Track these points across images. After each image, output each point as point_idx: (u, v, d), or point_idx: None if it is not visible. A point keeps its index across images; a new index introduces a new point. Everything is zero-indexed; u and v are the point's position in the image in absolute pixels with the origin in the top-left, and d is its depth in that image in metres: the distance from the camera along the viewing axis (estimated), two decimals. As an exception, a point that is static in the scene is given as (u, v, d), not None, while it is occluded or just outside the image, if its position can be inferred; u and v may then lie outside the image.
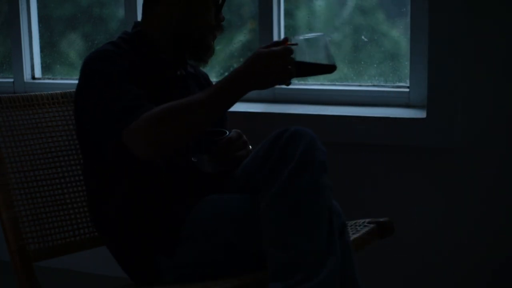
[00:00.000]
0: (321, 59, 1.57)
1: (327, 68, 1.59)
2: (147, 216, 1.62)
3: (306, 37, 1.58)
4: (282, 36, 2.23)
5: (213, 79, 2.05)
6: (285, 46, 1.53)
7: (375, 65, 2.18)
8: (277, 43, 1.56)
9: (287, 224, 1.42)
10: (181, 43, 1.74)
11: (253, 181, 1.55)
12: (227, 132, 1.69)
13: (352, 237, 1.61)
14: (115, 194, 1.65)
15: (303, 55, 1.56)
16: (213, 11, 1.74)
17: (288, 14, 2.25)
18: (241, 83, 1.53)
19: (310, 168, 1.44)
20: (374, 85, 2.18)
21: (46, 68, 2.67)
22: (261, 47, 1.56)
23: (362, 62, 2.20)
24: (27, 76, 2.63)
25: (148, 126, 1.51)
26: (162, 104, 1.54)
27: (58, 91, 1.90)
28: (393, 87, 2.15)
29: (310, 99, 2.21)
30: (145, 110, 1.53)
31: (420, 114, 1.97)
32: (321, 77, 2.26)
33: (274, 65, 1.52)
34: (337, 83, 2.24)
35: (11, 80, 2.67)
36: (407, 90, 2.08)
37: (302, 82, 2.28)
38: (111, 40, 1.76)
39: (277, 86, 2.24)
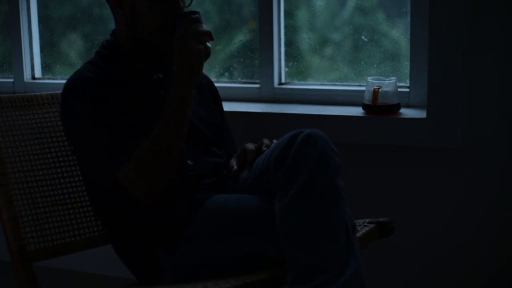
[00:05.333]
0: None
1: None
2: (153, 212, 1.62)
3: None
4: (282, 36, 2.23)
5: (213, 79, 2.05)
6: None
7: (375, 65, 2.18)
8: None
9: (309, 225, 1.41)
10: (139, 49, 1.72)
11: (264, 182, 1.55)
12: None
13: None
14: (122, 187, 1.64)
15: None
16: (160, 14, 1.67)
17: (288, 14, 2.25)
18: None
19: (328, 170, 1.45)
20: (374, 85, 2.18)
21: (46, 68, 2.66)
22: None
23: (362, 62, 2.19)
24: (27, 76, 2.63)
25: (142, 167, 1.58)
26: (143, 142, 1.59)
27: (58, 91, 1.89)
28: (393, 87, 2.15)
29: (310, 99, 2.21)
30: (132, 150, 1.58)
31: (420, 114, 1.97)
32: (321, 77, 2.26)
33: None
34: (337, 83, 2.24)
35: (11, 80, 2.67)
36: (407, 90, 2.08)
37: (302, 82, 2.27)
38: (90, 59, 1.76)
39: (277, 86, 2.26)
